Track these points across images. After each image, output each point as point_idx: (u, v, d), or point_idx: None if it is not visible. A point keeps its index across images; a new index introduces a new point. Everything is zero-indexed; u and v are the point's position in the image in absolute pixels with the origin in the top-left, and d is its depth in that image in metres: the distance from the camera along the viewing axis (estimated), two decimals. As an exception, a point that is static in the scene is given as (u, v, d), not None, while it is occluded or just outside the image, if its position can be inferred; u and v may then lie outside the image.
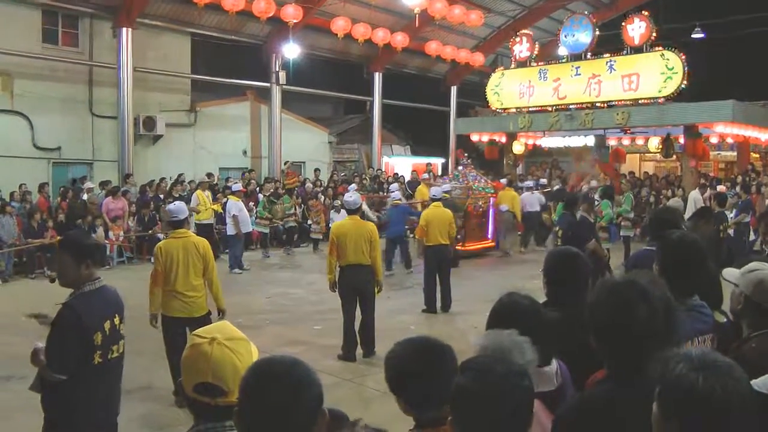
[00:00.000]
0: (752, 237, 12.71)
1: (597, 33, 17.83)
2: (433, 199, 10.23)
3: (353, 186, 16.27)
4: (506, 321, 2.17)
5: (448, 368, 1.93)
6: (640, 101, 16.86)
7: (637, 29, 16.83)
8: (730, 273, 2.84)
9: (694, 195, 13.91)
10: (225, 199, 13.68)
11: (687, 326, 2.39)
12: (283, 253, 15.23)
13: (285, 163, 19.53)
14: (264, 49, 19.48)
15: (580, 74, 17.97)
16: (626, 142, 20.21)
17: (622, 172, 19.71)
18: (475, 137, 21.05)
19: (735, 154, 19.93)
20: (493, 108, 20.10)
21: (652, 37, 16.70)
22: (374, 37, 19.19)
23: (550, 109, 18.46)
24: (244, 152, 20.12)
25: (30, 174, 14.83)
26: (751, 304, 2.65)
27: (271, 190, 15.62)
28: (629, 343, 1.89)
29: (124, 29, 15.81)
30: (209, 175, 16.32)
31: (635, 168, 22.35)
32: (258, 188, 16.27)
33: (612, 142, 19.88)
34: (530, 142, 21.33)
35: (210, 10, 16.69)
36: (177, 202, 6.98)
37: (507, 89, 19.59)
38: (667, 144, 17.41)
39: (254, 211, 15.00)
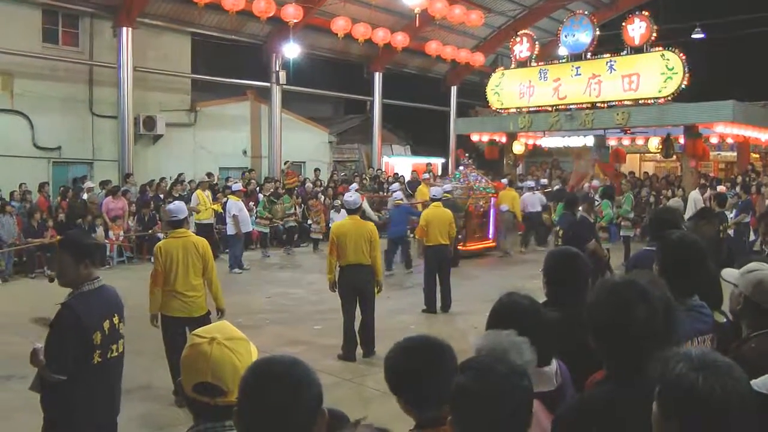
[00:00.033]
0: (752, 237, 12.71)
1: (597, 33, 17.83)
2: (434, 199, 10.23)
3: (354, 186, 16.25)
4: (506, 321, 2.17)
5: (448, 368, 1.92)
6: (640, 101, 16.85)
7: (637, 29, 16.82)
8: (729, 273, 2.84)
9: (694, 195, 13.90)
10: (225, 199, 13.67)
11: (687, 326, 2.39)
12: (283, 253, 15.22)
13: (285, 163, 19.51)
14: (264, 48, 19.48)
15: (580, 74, 17.95)
16: (626, 142, 20.23)
17: (623, 172, 19.70)
18: (475, 137, 21.04)
19: (735, 154, 19.94)
20: (494, 108, 20.09)
21: (653, 38, 16.68)
22: (374, 36, 19.18)
23: (550, 109, 18.45)
24: (244, 152, 20.12)
25: (30, 173, 14.83)
26: (750, 304, 2.65)
27: (271, 190, 15.61)
28: (629, 343, 1.89)
29: (125, 29, 15.82)
30: (209, 174, 16.32)
31: (635, 168, 22.35)
32: (258, 188, 16.25)
33: (612, 142, 19.91)
34: (530, 142, 21.32)
35: (210, 10, 16.69)
36: (176, 202, 6.98)
37: (507, 89, 19.57)
38: (667, 144, 17.40)
39: (254, 211, 14.99)
